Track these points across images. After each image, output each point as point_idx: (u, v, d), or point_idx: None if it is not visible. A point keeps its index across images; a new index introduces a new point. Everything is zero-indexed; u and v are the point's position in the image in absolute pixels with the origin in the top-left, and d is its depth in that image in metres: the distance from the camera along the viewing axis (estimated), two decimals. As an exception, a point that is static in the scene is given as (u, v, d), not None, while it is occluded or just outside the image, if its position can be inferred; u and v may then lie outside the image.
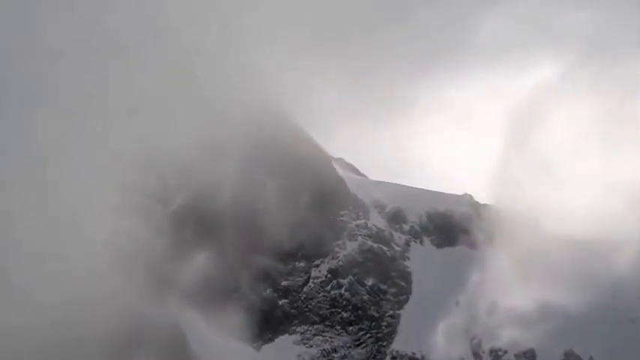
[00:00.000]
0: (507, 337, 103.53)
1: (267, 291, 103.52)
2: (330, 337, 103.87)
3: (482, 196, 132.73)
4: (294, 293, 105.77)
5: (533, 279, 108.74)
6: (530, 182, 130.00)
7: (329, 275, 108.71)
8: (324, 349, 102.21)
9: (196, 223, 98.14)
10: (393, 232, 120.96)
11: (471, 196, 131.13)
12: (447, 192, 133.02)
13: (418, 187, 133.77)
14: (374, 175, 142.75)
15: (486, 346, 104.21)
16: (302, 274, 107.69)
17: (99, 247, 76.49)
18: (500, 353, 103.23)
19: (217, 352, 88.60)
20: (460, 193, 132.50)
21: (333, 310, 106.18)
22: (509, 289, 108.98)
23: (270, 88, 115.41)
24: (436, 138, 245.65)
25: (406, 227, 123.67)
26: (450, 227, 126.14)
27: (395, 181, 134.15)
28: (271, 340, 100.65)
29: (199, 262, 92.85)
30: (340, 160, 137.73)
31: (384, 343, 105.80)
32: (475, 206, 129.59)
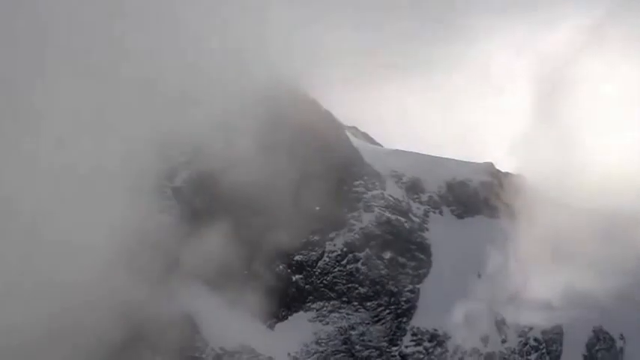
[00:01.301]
0: (533, 313, 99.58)
1: (280, 267, 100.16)
2: (347, 314, 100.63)
3: (504, 165, 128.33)
4: (308, 268, 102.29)
5: (558, 252, 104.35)
6: (558, 149, 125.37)
7: (345, 249, 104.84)
8: (341, 327, 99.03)
9: (205, 199, 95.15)
10: (411, 203, 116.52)
11: (492, 164, 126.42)
12: (467, 160, 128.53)
13: (436, 155, 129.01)
14: (389, 143, 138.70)
15: (511, 322, 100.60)
16: (316, 249, 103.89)
17: (102, 228, 73.16)
18: (526, 330, 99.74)
19: (228, 333, 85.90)
20: (481, 161, 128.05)
21: (350, 285, 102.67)
22: (534, 263, 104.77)
23: (279, 56, 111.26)
24: (455, 100, 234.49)
25: (424, 197, 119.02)
26: (471, 197, 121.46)
27: (412, 149, 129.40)
28: (285, 317, 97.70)
29: (208, 240, 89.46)
30: (353, 129, 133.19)
31: (404, 319, 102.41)
32: (497, 175, 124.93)
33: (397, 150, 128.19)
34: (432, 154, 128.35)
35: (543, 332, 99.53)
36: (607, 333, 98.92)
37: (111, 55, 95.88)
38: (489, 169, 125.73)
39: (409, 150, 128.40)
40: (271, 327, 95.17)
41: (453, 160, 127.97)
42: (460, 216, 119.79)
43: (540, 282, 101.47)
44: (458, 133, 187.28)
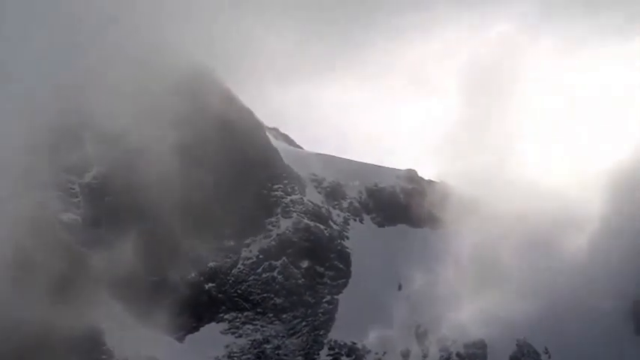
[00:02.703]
0: (455, 325, 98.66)
1: (192, 274, 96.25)
2: (262, 326, 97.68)
3: (429, 171, 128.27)
4: (221, 276, 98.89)
5: (482, 265, 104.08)
6: (484, 156, 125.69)
7: (260, 256, 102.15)
8: (254, 340, 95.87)
9: (116, 199, 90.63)
10: (331, 209, 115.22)
11: (414, 171, 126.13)
12: (390, 166, 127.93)
13: (358, 160, 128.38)
14: (311, 146, 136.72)
15: (433, 336, 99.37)
16: (231, 255, 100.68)
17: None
18: (448, 343, 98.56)
19: (135, 345, 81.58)
20: (404, 167, 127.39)
21: (265, 295, 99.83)
22: (457, 275, 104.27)
23: (202, 50, 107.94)
24: (381, 104, 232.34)
25: (345, 204, 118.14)
26: (392, 205, 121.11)
27: (334, 154, 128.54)
28: (196, 329, 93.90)
29: (116, 244, 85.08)
30: (275, 130, 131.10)
31: (321, 332, 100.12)
32: (419, 182, 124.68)
33: (318, 153, 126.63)
34: (355, 159, 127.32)
35: (466, 346, 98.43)
36: (531, 346, 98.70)
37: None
38: (412, 175, 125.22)
39: (331, 154, 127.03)
40: (180, 339, 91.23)
41: (376, 165, 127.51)
42: (381, 224, 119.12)
43: (464, 295, 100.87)
44: (383, 137, 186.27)
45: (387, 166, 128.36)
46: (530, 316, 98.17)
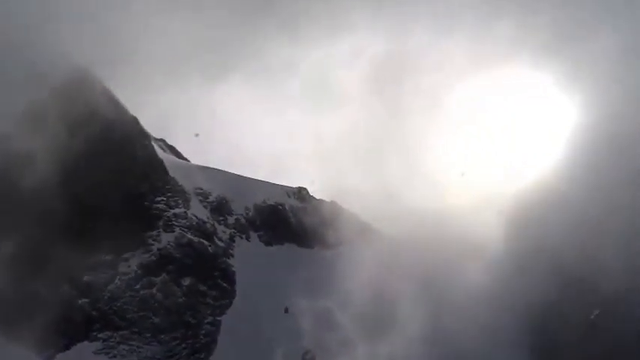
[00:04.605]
0: (347, 351, 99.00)
1: (64, 288, 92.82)
2: (138, 347, 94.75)
3: (321, 190, 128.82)
4: (96, 292, 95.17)
5: (371, 287, 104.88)
6: (379, 176, 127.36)
7: (139, 272, 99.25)
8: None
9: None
10: (217, 225, 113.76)
11: (306, 190, 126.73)
12: (280, 183, 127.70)
13: (248, 175, 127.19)
14: (199, 159, 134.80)
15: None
16: (107, 269, 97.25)
17: None
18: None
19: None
20: (295, 184, 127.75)
21: (143, 313, 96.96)
22: (345, 298, 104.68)
23: (86, 54, 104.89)
24: (276, 115, 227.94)
25: (231, 220, 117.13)
26: (280, 223, 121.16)
27: (223, 167, 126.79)
28: (67, 347, 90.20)
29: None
30: (161, 141, 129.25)
31: (202, 355, 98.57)
32: (310, 201, 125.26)
33: (205, 167, 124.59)
34: (243, 174, 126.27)
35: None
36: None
37: None
38: (302, 193, 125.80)
39: (218, 167, 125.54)
40: (50, 358, 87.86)
41: (264, 181, 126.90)
42: (268, 243, 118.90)
43: (353, 319, 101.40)
44: (275, 151, 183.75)
45: (277, 182, 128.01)
46: (429, 343, 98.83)
